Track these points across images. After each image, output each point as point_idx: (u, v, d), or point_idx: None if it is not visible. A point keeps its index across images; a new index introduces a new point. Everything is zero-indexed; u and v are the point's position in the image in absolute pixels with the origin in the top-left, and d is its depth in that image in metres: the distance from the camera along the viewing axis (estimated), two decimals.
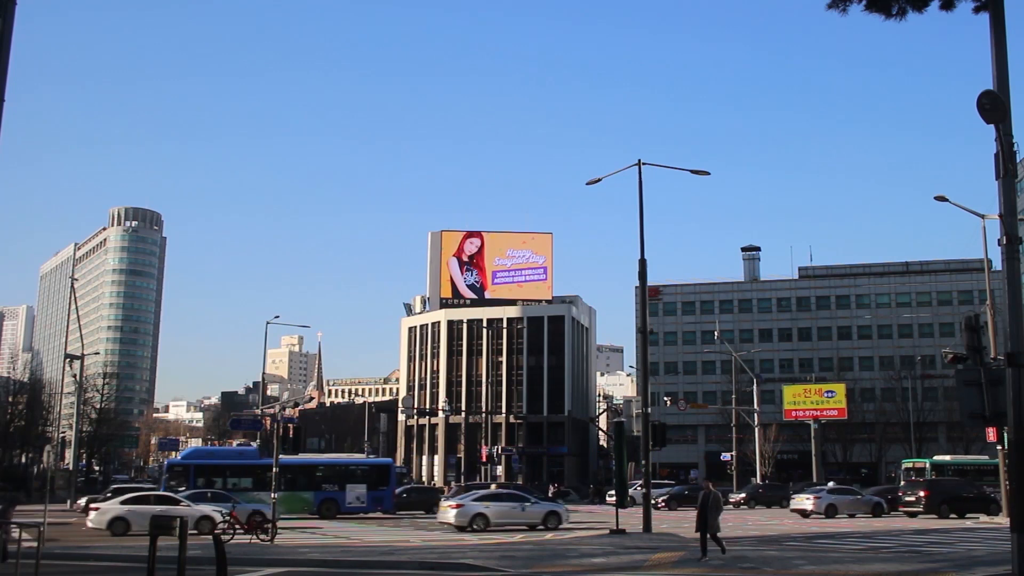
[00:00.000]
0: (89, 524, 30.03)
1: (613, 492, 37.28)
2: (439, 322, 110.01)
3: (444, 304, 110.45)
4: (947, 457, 60.10)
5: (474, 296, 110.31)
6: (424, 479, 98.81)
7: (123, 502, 30.85)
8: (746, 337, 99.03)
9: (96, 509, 30.42)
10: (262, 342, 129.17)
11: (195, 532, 26.38)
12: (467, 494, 38.33)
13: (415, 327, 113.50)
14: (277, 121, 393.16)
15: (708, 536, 19.95)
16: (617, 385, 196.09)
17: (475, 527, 31.90)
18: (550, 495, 57.80)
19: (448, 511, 33.33)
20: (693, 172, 33.72)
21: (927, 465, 54.66)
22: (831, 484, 52.91)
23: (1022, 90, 21.45)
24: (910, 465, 56.77)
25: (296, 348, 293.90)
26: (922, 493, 42.42)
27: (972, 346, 15.72)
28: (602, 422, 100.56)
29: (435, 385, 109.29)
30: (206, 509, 30.62)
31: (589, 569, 19.60)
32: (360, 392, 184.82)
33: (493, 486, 50.14)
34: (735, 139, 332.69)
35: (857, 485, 59.55)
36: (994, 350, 34.35)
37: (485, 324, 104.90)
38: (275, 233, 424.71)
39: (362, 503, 43.19)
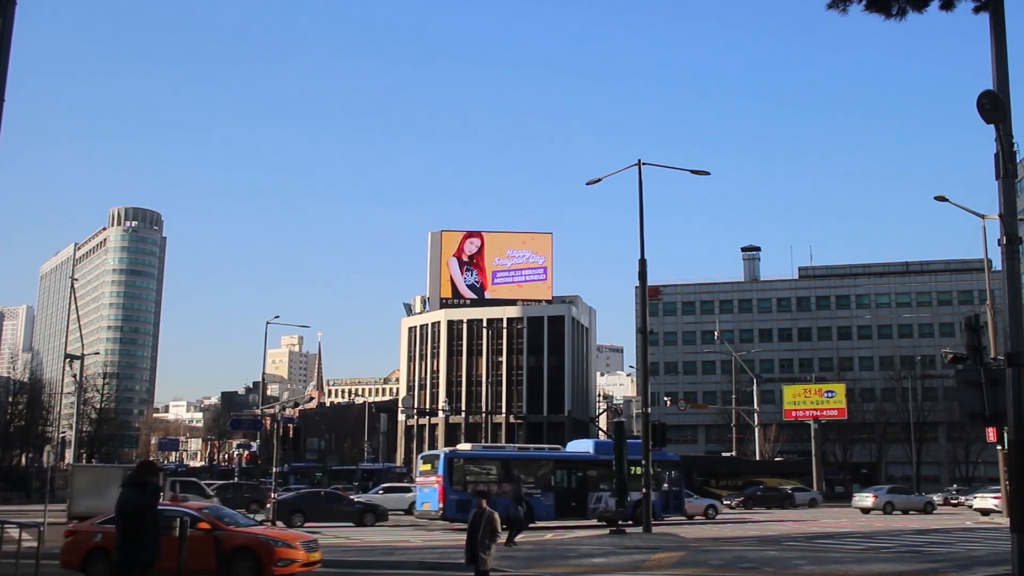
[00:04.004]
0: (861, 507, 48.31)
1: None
2: (439, 322, 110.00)
3: (444, 304, 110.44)
4: (467, 446, 56.68)
5: (474, 296, 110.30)
6: None
7: (888, 491, 49.95)
8: (746, 337, 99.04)
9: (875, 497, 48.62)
10: (262, 342, 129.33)
11: None
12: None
13: (415, 327, 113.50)
14: (277, 122, 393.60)
15: (478, 568, 13.64)
16: (617, 385, 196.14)
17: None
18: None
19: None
20: (693, 172, 33.74)
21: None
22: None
23: (1022, 90, 21.46)
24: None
25: (296, 348, 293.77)
26: None
27: (972, 346, 15.73)
28: (602, 422, 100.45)
29: (435, 385, 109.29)
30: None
31: (589, 569, 19.60)
32: (360, 392, 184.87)
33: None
34: (735, 139, 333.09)
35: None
36: (994, 350, 34.36)
37: (485, 324, 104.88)
38: (275, 233, 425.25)
39: None
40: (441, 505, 33.24)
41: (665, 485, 37.80)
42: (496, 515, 13.93)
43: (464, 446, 40.08)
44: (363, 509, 37.07)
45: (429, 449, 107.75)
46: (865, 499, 49.23)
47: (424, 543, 26.24)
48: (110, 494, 30.51)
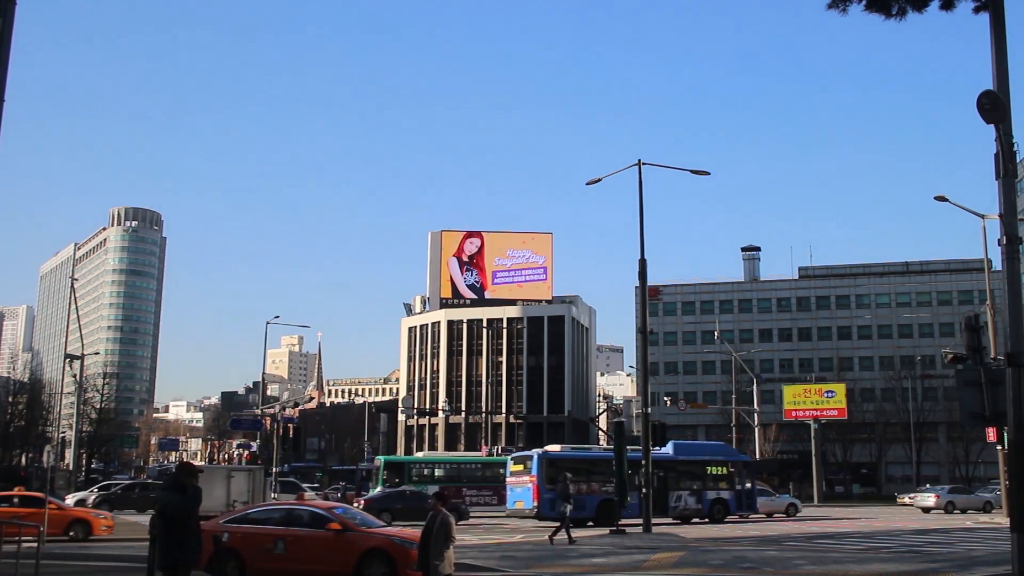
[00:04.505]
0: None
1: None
2: (439, 322, 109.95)
3: (444, 304, 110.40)
4: (556, 447, 56.30)
5: (474, 296, 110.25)
6: None
7: (949, 491, 50.99)
8: (746, 337, 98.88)
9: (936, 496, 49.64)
10: (262, 342, 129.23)
11: None
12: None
13: (415, 327, 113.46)
14: (277, 123, 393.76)
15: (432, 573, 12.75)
16: (617, 385, 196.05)
17: None
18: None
19: None
20: (693, 172, 33.69)
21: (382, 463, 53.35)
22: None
23: (1022, 90, 21.45)
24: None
25: (296, 348, 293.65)
26: None
27: (972, 346, 15.70)
28: (602, 422, 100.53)
29: (435, 385, 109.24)
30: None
31: (589, 569, 19.60)
32: (360, 392, 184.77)
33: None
34: (735, 138, 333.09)
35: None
36: (994, 350, 34.34)
37: (485, 324, 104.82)
38: (275, 233, 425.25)
39: None
40: (536, 504, 35.11)
41: (738, 484, 39.47)
42: (451, 518, 13.05)
43: (554, 447, 41.40)
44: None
45: (429, 449, 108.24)
46: (927, 499, 50.35)
47: None
48: (214, 495, 31.43)
